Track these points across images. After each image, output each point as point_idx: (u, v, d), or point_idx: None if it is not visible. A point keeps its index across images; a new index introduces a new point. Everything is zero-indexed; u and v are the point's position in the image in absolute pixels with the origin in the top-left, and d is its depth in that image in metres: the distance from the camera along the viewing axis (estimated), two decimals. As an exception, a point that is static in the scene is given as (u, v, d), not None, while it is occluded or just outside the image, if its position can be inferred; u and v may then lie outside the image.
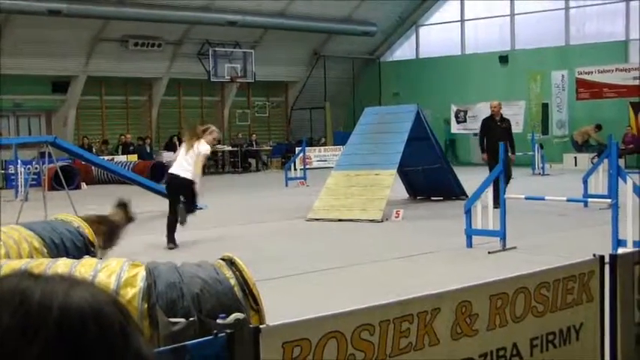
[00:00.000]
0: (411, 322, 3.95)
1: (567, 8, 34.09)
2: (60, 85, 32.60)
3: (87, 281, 0.92)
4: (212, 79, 34.37)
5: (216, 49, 34.19)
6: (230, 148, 34.38)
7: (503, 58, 35.40)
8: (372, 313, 3.84)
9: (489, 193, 11.84)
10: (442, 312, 4.08)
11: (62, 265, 6.41)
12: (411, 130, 17.35)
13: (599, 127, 31.07)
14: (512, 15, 35.66)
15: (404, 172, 19.04)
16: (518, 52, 35.17)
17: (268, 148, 36.41)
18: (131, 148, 31.77)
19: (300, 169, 26.24)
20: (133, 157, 30.09)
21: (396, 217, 15.83)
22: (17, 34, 29.99)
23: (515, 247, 11.74)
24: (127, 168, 24.57)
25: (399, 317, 3.91)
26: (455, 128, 33.90)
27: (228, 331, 3.57)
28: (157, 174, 26.36)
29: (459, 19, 37.45)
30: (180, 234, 14.59)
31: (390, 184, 16.48)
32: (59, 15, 29.20)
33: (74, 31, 30.75)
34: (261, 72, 35.39)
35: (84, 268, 6.33)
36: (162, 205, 18.49)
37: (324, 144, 36.53)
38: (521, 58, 34.38)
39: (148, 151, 32.14)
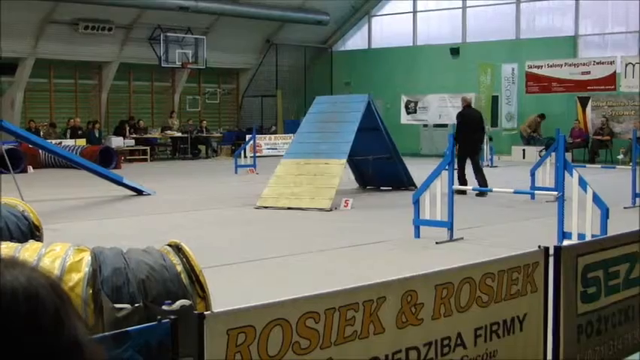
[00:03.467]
0: (357, 311, 3.96)
1: (518, 2, 34.42)
2: (7, 67, 32.05)
3: (27, 264, 0.89)
4: (163, 65, 34.10)
5: (168, 34, 33.93)
6: (180, 135, 34.14)
7: (455, 50, 35.63)
8: (318, 301, 3.84)
9: (438, 183, 11.91)
10: (388, 301, 4.10)
11: (5, 249, 6.31)
12: (361, 120, 17.38)
13: (542, 117, 31.64)
14: (463, 8, 35.89)
15: (354, 162, 19.09)
16: (469, 44, 35.44)
17: (218, 135, 36.23)
18: (80, 132, 31.40)
19: (250, 157, 26.17)
20: (82, 142, 29.74)
21: (345, 207, 15.86)
22: (-36, 14, 29.43)
23: (462, 238, 11.84)
24: (75, 152, 24.26)
25: (345, 305, 3.91)
26: (405, 119, 34.05)
27: (172, 317, 3.55)
28: (105, 159, 26.13)
29: (412, 10, 37.60)
30: (127, 220, 14.49)
31: (339, 173, 16.51)
32: (5, -4, 28.70)
33: (23, 12, 30.26)
34: (213, 58, 35.22)
35: (28, 252, 6.24)
36: (110, 190, 18.38)
37: (275, 132, 36.46)
38: (472, 51, 34.65)
39: (97, 135, 31.79)
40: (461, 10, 36.02)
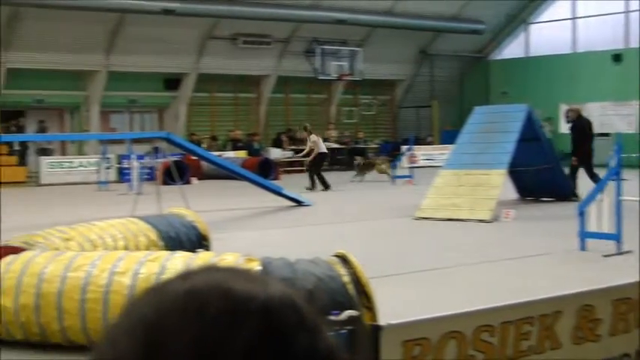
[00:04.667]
0: (532, 325, 3.89)
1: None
2: (172, 83, 33.33)
3: (271, 277, 0.94)
4: (319, 77, 34.58)
5: (324, 47, 34.38)
6: (337, 146, 34.50)
7: (617, 57, 34.47)
8: (493, 313, 3.80)
9: (606, 195, 11.55)
10: (564, 315, 4.01)
11: (179, 258, 6.56)
12: (521, 130, 17.09)
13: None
14: (626, 12, 34.69)
15: (513, 173, 18.75)
16: (632, 50, 34.18)
17: (375, 146, 36.39)
18: (240, 144, 32.22)
19: (407, 168, 26.15)
20: (242, 153, 30.52)
21: (506, 218, 15.61)
22: (132, 32, 30.78)
23: (630, 251, 11.43)
24: (235, 164, 24.90)
25: (520, 319, 3.86)
26: (564, 128, 33.16)
27: (349, 327, 3.59)
28: (264, 170, 26.67)
29: (571, 16, 36.66)
30: (288, 230, 14.75)
31: (499, 184, 16.27)
32: (172, 14, 29.83)
33: (186, 29, 31.38)
34: (368, 70, 35.40)
35: (200, 262, 6.46)
36: (270, 200, 18.75)
37: (431, 143, 36.31)
38: (636, 57, 33.39)
39: (256, 147, 32.52)
40: (623, 14, 34.82)
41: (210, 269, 0.93)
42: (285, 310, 0.88)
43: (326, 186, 23.31)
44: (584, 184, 17.94)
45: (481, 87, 39.34)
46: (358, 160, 29.36)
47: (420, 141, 36.33)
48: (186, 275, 0.92)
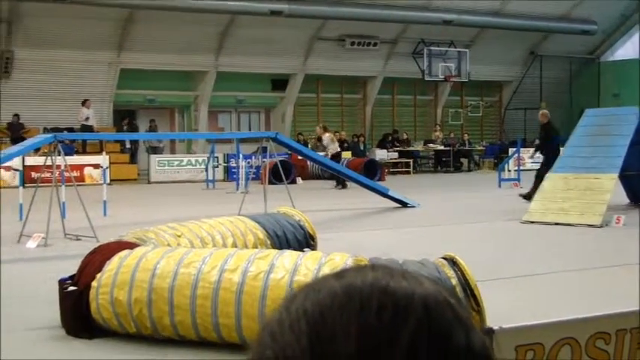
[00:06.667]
0: (650, 334, 3.78)
1: None
2: (279, 83, 33.70)
3: (421, 276, 0.96)
4: (426, 79, 34.42)
5: (431, 48, 34.20)
6: (443, 148, 34.28)
7: None
8: (609, 321, 3.71)
9: None
10: (683, 325, 3.88)
11: (288, 257, 6.62)
12: (634, 134, 16.63)
13: None
14: None
15: (624, 177, 18.25)
16: None
17: (481, 148, 36.00)
18: (345, 145, 32.32)
19: (514, 171, 25.78)
20: (347, 154, 30.61)
21: (617, 223, 15.21)
22: (241, 33, 31.25)
23: None
24: (341, 164, 25.01)
25: (636, 328, 3.76)
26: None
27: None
28: (369, 171, 26.69)
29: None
30: (393, 231, 14.72)
31: (610, 188, 15.86)
32: (280, 15, 30.14)
33: (294, 30, 31.67)
34: (476, 71, 35.06)
35: (309, 260, 6.51)
36: (375, 201, 18.75)
37: (539, 145, 35.65)
38: None
39: (362, 148, 32.58)
40: None
41: (364, 268, 0.95)
42: (443, 307, 0.89)
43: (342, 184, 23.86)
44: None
45: (591, 89, 38.46)
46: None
47: (527, 143, 35.76)
48: (341, 274, 0.94)
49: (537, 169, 19.88)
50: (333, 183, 24.59)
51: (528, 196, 18.82)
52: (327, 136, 25.80)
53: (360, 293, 0.89)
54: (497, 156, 34.11)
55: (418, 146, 34.67)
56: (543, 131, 20.50)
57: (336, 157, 25.40)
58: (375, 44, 34.17)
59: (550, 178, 16.84)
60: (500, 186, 24.69)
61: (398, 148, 33.49)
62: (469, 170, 34.41)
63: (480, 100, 38.26)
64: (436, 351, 0.87)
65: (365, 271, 0.94)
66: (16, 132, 28.24)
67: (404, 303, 0.88)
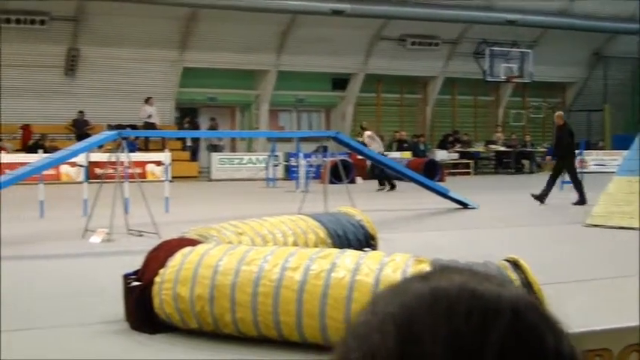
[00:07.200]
0: None
1: None
2: (339, 82, 33.73)
3: (504, 279, 0.95)
4: (487, 79, 34.13)
5: (493, 48, 33.91)
6: (504, 149, 33.97)
7: None
8: (679, 328, 3.64)
9: None
10: None
11: (350, 256, 6.62)
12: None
13: None
14: None
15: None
16: None
17: (543, 150, 35.58)
18: (405, 145, 32.23)
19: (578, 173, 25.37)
20: (407, 154, 30.51)
21: (683, 228, 14.89)
22: (302, 33, 31.35)
23: None
24: (400, 164, 24.93)
25: None
26: None
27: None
28: (429, 171, 26.55)
29: None
30: (454, 232, 14.63)
31: (676, 192, 15.55)
32: (342, 15, 30.16)
33: (355, 30, 31.67)
34: (539, 72, 34.66)
35: (370, 261, 6.50)
36: (434, 202, 18.65)
37: (602, 148, 35.16)
38: None
39: (422, 148, 32.44)
40: None
41: (448, 270, 0.95)
42: (532, 311, 0.89)
43: (392, 185, 23.78)
44: None
45: (657, 91, 37.79)
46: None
47: (590, 146, 35.27)
48: (426, 276, 0.94)
49: (551, 172, 20.04)
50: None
51: (540, 197, 18.84)
52: (367, 134, 25.51)
53: (448, 296, 0.89)
54: (559, 158, 33.68)
55: (479, 147, 34.41)
56: (560, 132, 20.22)
57: None
58: (436, 44, 34.01)
59: (614, 181, 16.57)
60: (562, 188, 24.35)
61: (458, 149, 33.29)
62: (530, 172, 34.03)
63: (543, 102, 37.81)
64: (526, 355, 0.86)
65: (451, 274, 0.93)
66: (80, 128, 28.72)
67: (492, 306, 0.88)
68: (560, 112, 21.15)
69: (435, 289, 0.90)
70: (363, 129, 26.50)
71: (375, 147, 24.93)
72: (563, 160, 19.61)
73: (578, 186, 19.41)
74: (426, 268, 6.34)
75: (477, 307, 0.87)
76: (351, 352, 0.90)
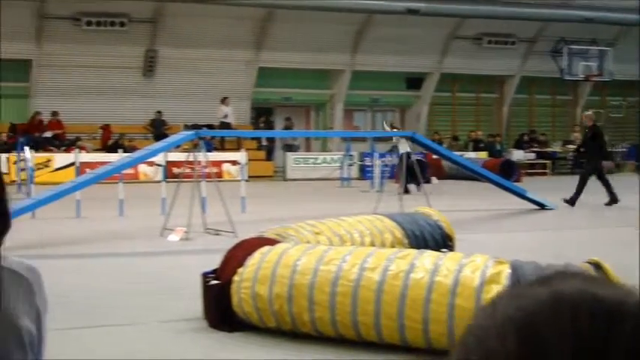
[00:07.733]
0: None
1: None
2: (414, 82, 33.58)
3: (621, 283, 0.94)
4: (565, 78, 33.59)
5: (571, 46, 33.36)
6: (582, 149, 33.34)
7: None
8: None
9: None
10: None
11: (428, 257, 6.60)
12: None
13: None
14: None
15: None
16: None
17: (622, 149, 34.89)
18: (481, 145, 31.94)
19: (658, 174, 24.88)
20: (483, 154, 30.22)
21: None
22: (376, 32, 31.31)
23: None
24: (476, 164, 24.71)
25: None
26: None
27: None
28: (505, 171, 26.24)
29: None
30: (536, 234, 14.43)
31: None
32: (417, 14, 30.02)
33: (430, 29, 31.49)
34: (619, 70, 33.96)
35: (449, 262, 6.47)
36: (511, 202, 18.43)
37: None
38: None
39: (498, 148, 32.10)
40: None
41: (563, 275, 0.94)
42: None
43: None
44: None
45: None
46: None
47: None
48: (543, 281, 0.94)
49: (581, 173, 19.93)
50: (466, 183, 24.23)
51: (572, 201, 18.45)
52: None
53: (569, 300, 0.88)
54: (639, 158, 33.02)
55: (556, 147, 33.90)
56: (590, 132, 20.21)
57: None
58: (512, 43, 33.62)
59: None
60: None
61: (535, 149, 32.85)
62: (610, 172, 33.37)
63: (623, 101, 37.04)
64: None
65: (568, 279, 0.93)
66: (158, 128, 29.17)
67: (616, 310, 0.87)
68: (590, 113, 20.86)
69: (555, 294, 0.90)
70: (393, 127, 26.21)
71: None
72: (593, 162, 19.40)
73: (608, 186, 19.37)
74: (506, 269, 6.28)
75: (600, 311, 0.87)
76: (469, 355, 0.90)
